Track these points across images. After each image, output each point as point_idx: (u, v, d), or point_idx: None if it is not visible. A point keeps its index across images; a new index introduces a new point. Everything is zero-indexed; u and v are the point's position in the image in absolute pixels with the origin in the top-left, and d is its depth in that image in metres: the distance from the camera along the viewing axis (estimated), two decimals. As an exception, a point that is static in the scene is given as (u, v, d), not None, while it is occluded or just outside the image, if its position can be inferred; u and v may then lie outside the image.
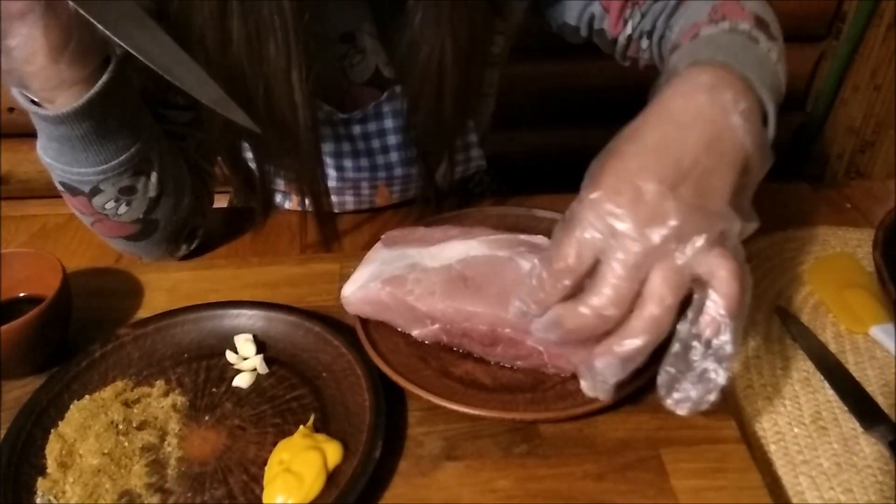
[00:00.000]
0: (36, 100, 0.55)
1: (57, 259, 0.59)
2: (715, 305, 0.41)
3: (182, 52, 0.49)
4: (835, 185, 0.85)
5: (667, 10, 0.66)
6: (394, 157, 0.74)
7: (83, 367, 0.55)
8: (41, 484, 0.48)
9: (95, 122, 0.56)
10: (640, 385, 0.50)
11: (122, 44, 0.46)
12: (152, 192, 0.63)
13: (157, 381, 0.55)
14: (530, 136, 1.33)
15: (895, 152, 1.35)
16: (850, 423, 0.51)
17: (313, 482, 0.45)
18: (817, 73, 1.36)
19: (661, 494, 0.46)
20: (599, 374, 0.43)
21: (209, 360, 0.57)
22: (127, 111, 0.59)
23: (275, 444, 0.49)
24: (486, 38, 0.69)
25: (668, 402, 0.44)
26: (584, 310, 0.41)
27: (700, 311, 0.41)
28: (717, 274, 0.40)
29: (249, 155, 0.70)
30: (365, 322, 0.57)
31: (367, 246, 0.62)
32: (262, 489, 0.46)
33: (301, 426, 0.50)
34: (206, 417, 0.52)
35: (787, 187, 0.79)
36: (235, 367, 0.56)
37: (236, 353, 0.57)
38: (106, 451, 0.49)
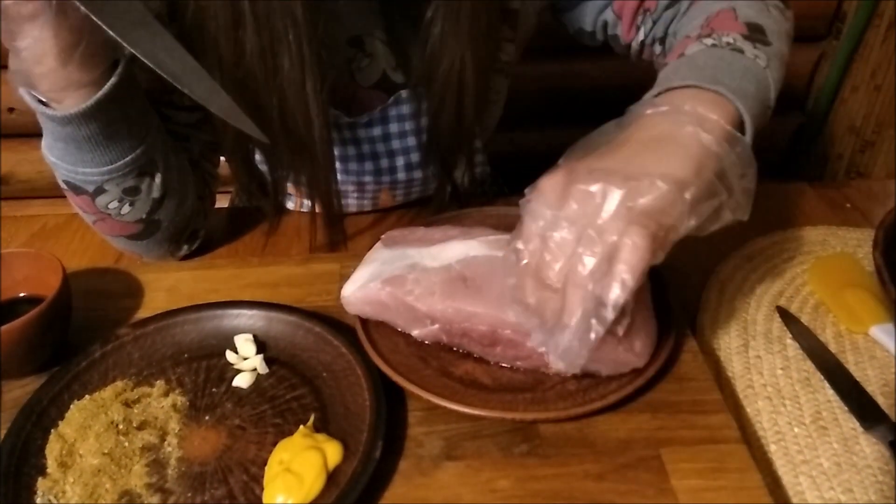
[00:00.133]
0: (43, 99, 0.55)
1: (57, 259, 0.59)
2: (616, 269, 0.44)
3: (192, 61, 0.49)
4: (835, 185, 0.85)
5: (677, 18, 0.66)
6: (398, 161, 0.74)
7: (83, 367, 0.55)
8: (41, 484, 0.48)
9: (102, 123, 0.56)
10: (640, 385, 0.51)
11: (131, 49, 0.46)
12: (156, 193, 0.63)
13: (158, 381, 0.55)
14: (530, 137, 1.33)
15: (895, 152, 1.35)
16: (851, 423, 0.51)
17: (313, 482, 0.45)
18: (817, 73, 1.36)
19: (661, 494, 0.46)
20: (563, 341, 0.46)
21: (209, 360, 0.57)
22: (133, 113, 0.59)
23: (275, 444, 0.49)
24: (498, 46, 0.70)
25: (552, 359, 0.47)
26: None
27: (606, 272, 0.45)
28: (625, 242, 0.44)
29: (259, 157, 0.70)
30: (365, 322, 0.57)
31: (369, 247, 0.62)
32: (262, 489, 0.46)
33: (301, 426, 0.50)
34: (207, 417, 0.52)
35: (787, 187, 0.80)
36: (235, 367, 0.56)
37: (236, 353, 0.57)
38: (106, 451, 0.49)
